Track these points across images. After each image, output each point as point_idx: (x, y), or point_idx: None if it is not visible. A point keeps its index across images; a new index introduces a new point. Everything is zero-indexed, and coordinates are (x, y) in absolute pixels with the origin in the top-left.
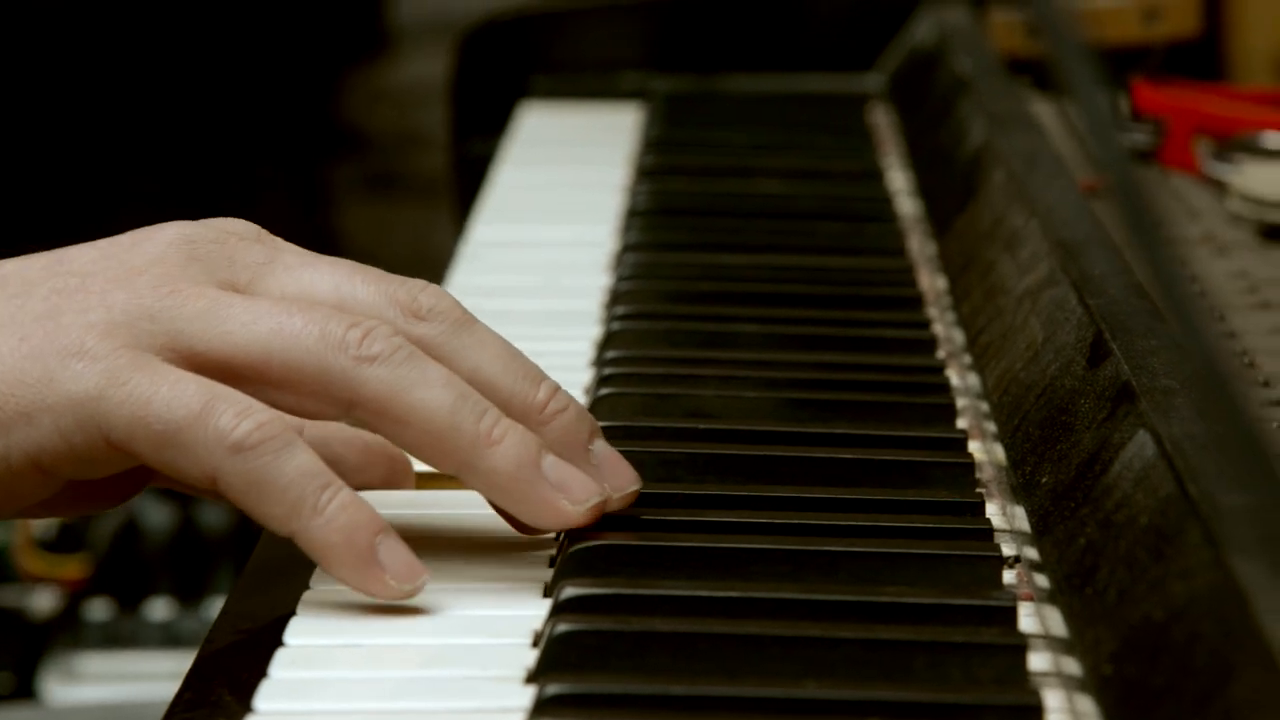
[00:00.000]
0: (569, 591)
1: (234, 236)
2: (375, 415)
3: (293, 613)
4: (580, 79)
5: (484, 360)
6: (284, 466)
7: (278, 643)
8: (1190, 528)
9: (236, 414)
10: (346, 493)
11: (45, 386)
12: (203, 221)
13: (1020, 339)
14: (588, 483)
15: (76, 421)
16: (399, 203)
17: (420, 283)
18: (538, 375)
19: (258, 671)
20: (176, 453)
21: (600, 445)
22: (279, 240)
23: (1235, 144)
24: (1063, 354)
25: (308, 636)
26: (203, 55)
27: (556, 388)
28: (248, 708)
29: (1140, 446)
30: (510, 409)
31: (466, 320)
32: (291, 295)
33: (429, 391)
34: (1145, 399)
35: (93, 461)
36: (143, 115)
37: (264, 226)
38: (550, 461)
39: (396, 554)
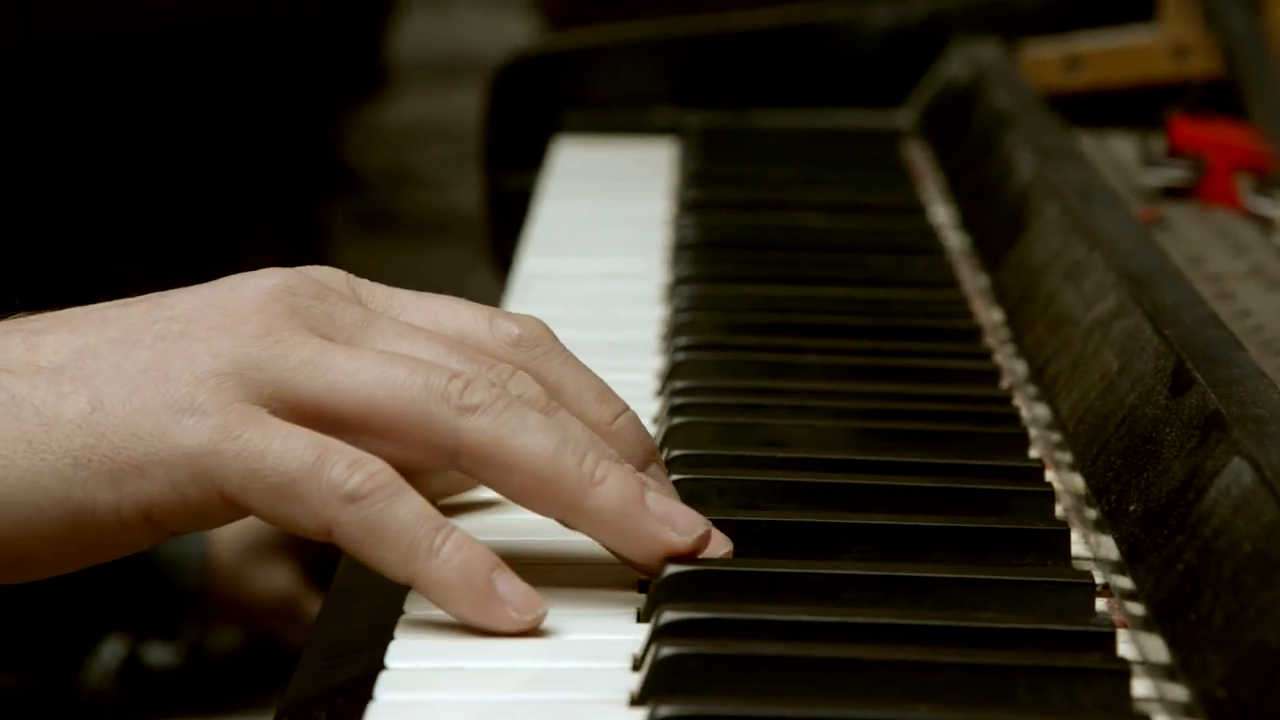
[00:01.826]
0: (668, 616)
1: (333, 294)
2: (479, 464)
3: (379, 637)
4: (613, 114)
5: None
6: (397, 512)
7: (368, 668)
8: None
9: (349, 465)
10: (459, 533)
11: (158, 440)
12: (299, 271)
13: (1093, 369)
14: (692, 514)
15: (190, 475)
16: (393, 242)
17: (507, 368)
18: (612, 399)
19: (352, 695)
20: (292, 505)
21: (655, 470)
22: (373, 290)
23: (1278, 179)
24: (1141, 383)
25: (408, 659)
26: (199, 91)
27: (623, 410)
28: None
29: (1237, 474)
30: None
31: (553, 406)
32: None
33: (531, 437)
34: (1237, 427)
35: (205, 515)
36: (137, 150)
37: (258, 265)
38: (653, 497)
39: (514, 586)
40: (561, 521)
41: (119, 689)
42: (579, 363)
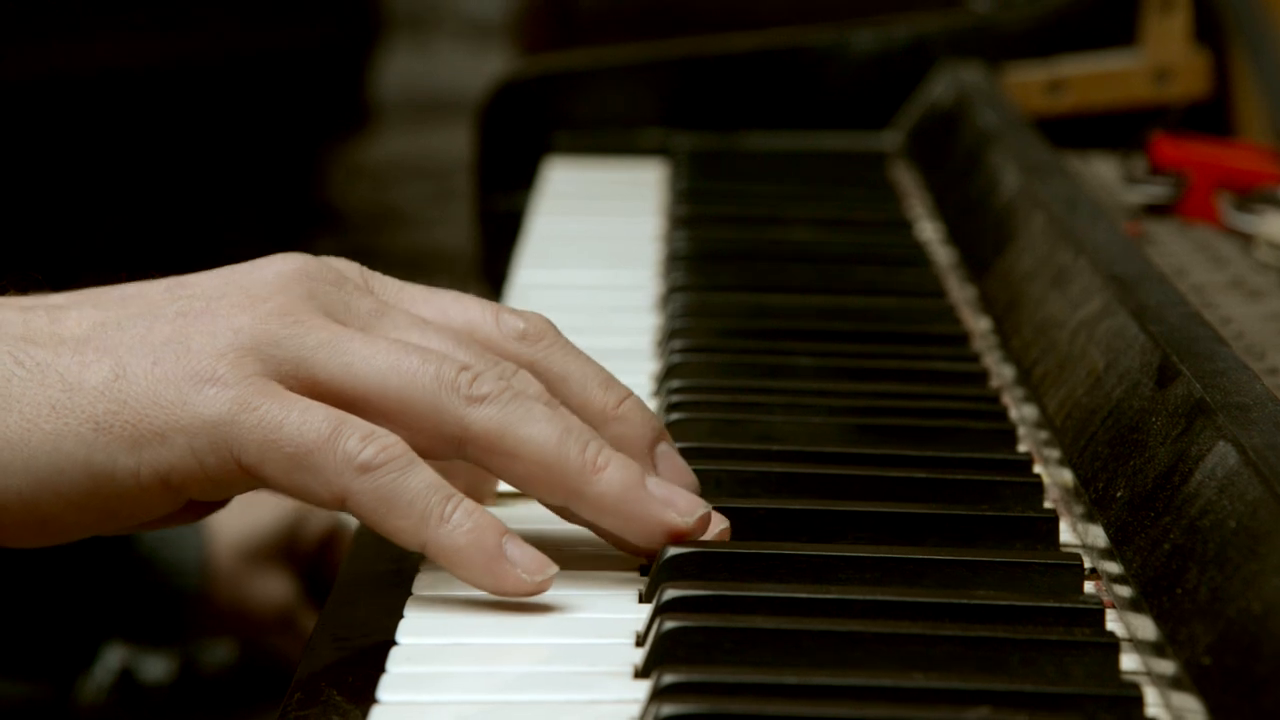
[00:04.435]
0: (670, 593)
1: (350, 283)
2: (485, 451)
3: (385, 621)
4: (602, 135)
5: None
6: (409, 482)
7: (379, 648)
8: None
9: (362, 437)
10: (469, 502)
11: (179, 409)
12: (317, 258)
13: (1079, 368)
14: (692, 496)
15: (210, 444)
16: None
17: (511, 366)
18: (616, 386)
19: (362, 674)
20: (307, 475)
21: (665, 448)
22: (386, 284)
23: (1257, 196)
24: (1127, 378)
25: (417, 636)
26: (182, 128)
27: (627, 395)
28: (358, 705)
29: (1222, 457)
30: (587, 412)
31: (554, 402)
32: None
33: (535, 427)
34: (1222, 414)
35: (222, 483)
36: (122, 186)
37: None
38: (654, 481)
39: (523, 550)
40: (563, 511)
41: (114, 704)
42: (582, 354)
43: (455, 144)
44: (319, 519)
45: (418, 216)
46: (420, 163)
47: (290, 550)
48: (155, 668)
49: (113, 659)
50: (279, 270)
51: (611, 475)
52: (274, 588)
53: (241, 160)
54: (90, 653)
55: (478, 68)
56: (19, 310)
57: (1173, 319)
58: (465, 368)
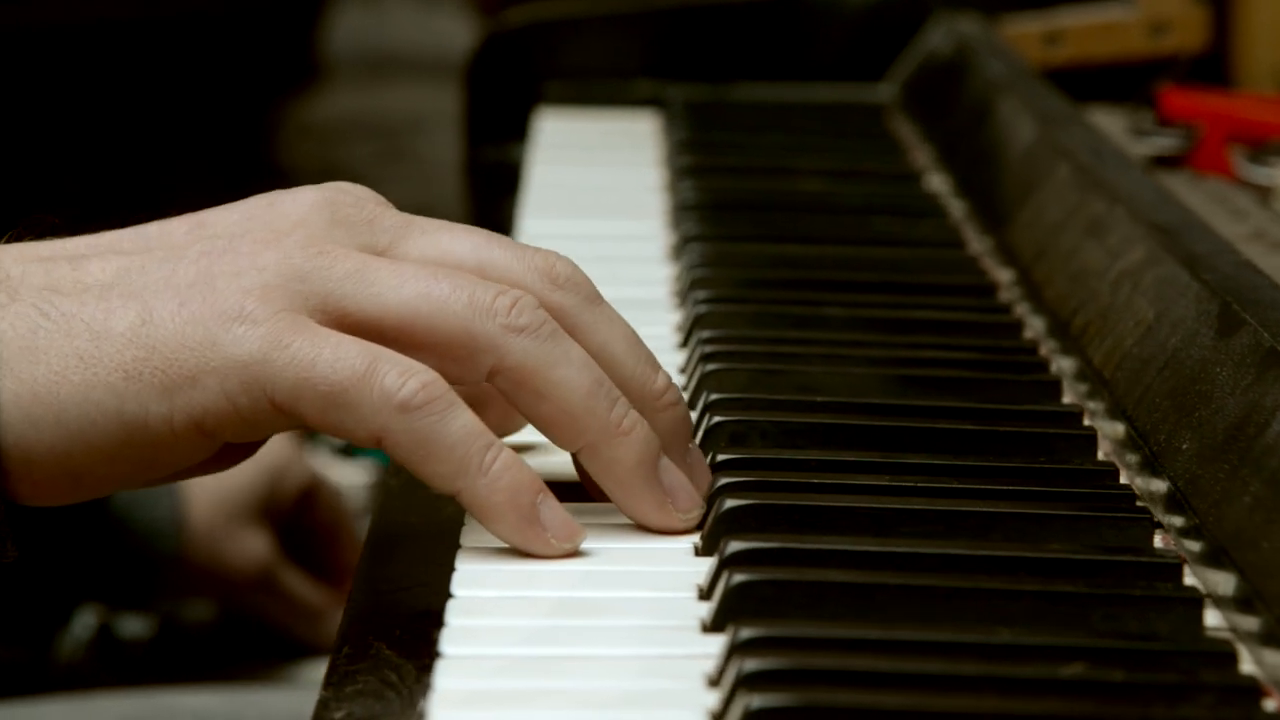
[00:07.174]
0: (734, 546)
1: (370, 201)
2: (514, 385)
3: (427, 574)
4: (593, 86)
5: (612, 338)
6: (450, 425)
7: (422, 600)
8: None
9: (401, 374)
10: (509, 453)
11: (209, 350)
12: (335, 185)
13: (1126, 318)
14: (694, 494)
15: (241, 384)
16: None
17: (555, 253)
18: (657, 363)
19: (409, 627)
20: (343, 413)
21: (695, 448)
22: (406, 215)
23: (1272, 148)
24: (1182, 327)
25: (473, 588)
26: (128, 83)
27: (671, 380)
28: (410, 659)
29: None
30: (628, 389)
31: (597, 295)
32: (432, 259)
33: (570, 371)
34: None
35: (256, 423)
36: (66, 148)
37: None
38: (666, 463)
39: (557, 514)
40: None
41: (92, 661)
42: (610, 305)
43: (405, 102)
44: (296, 475)
45: (366, 176)
46: (369, 121)
47: (267, 507)
48: (134, 624)
49: (90, 619)
50: (299, 201)
51: (632, 443)
52: (251, 546)
53: (187, 118)
54: (65, 616)
55: (429, 25)
56: (39, 261)
57: (1225, 267)
58: (502, 292)
